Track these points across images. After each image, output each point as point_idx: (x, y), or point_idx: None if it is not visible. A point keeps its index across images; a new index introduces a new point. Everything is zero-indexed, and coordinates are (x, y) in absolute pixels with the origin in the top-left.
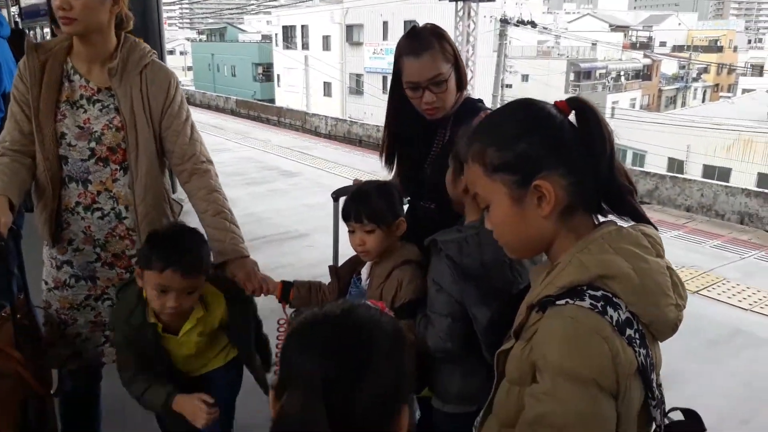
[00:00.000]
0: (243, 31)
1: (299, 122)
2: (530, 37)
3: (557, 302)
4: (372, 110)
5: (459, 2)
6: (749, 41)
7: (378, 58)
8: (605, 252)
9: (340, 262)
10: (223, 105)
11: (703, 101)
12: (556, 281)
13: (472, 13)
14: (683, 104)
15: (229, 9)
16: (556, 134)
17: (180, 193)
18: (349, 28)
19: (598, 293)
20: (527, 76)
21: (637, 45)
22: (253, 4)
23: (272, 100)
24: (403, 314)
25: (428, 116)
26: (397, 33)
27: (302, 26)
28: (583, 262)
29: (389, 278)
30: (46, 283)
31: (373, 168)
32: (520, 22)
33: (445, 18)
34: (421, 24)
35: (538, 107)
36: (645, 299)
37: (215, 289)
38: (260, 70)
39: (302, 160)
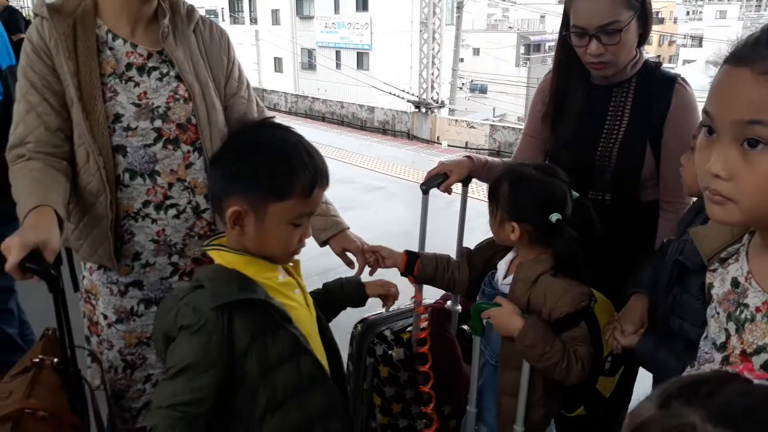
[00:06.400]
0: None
1: (262, 103)
2: (480, 10)
3: None
4: (326, 86)
5: None
6: (687, 13)
7: (330, 32)
8: None
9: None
10: None
11: None
12: None
13: None
14: None
15: None
16: None
17: None
18: (299, 1)
19: None
20: (478, 49)
21: None
22: None
23: None
24: (563, 327)
25: (594, 71)
26: (348, 6)
27: None
28: None
29: (536, 284)
30: (106, 317)
31: (352, 147)
32: None
33: None
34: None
35: None
36: None
37: None
38: None
39: None
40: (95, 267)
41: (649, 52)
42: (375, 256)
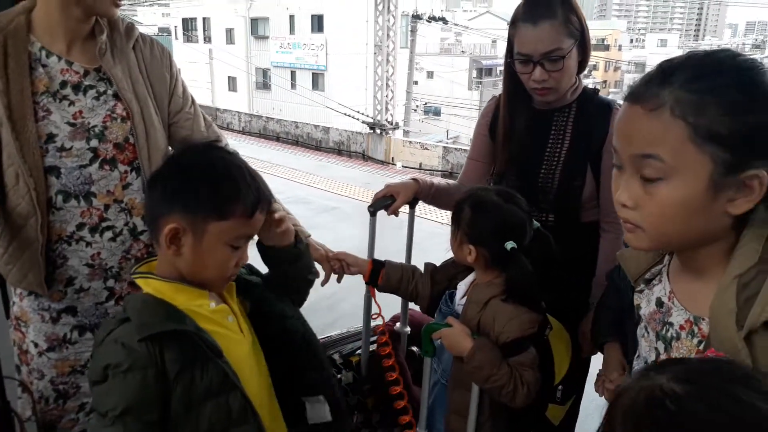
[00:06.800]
0: (139, 23)
1: (209, 118)
2: (434, 34)
3: None
4: (281, 105)
5: None
6: (631, 41)
7: (285, 52)
8: None
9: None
10: None
11: None
12: None
13: (392, 8)
14: None
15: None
16: None
17: None
18: (254, 21)
19: None
20: (432, 72)
21: None
22: None
23: None
24: (511, 351)
25: (537, 96)
26: (304, 27)
27: (204, 18)
28: None
29: (486, 307)
30: (36, 345)
31: (307, 167)
32: (432, 18)
33: (355, 13)
34: (328, 18)
35: None
36: None
37: None
38: None
39: None
40: (26, 293)
41: (596, 77)
42: (340, 264)
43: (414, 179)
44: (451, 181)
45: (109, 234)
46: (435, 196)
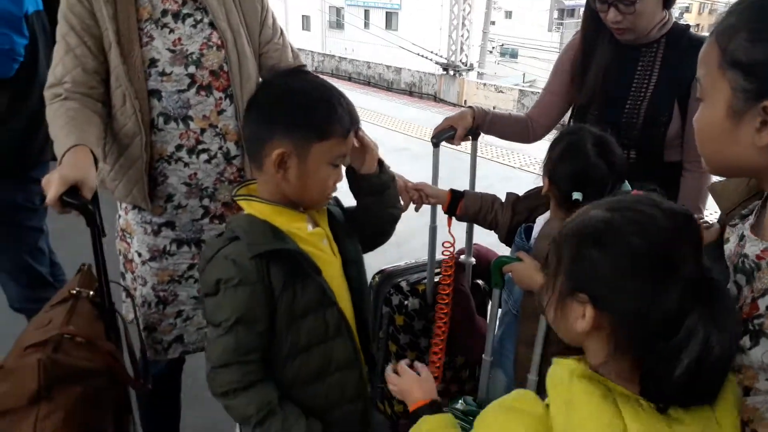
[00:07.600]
0: None
1: (297, 50)
2: None
3: None
4: (353, 45)
5: None
6: None
7: None
8: None
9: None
10: None
11: None
12: None
13: None
14: None
15: None
16: None
17: None
18: None
19: None
20: (510, 12)
21: None
22: None
23: None
24: None
25: (617, 36)
26: None
27: None
28: None
29: None
30: (140, 254)
31: (378, 108)
32: None
33: None
34: None
35: None
36: None
37: None
38: None
39: None
40: (130, 207)
41: (689, 20)
42: (419, 194)
43: (470, 107)
44: (513, 112)
45: (204, 156)
46: (492, 124)
